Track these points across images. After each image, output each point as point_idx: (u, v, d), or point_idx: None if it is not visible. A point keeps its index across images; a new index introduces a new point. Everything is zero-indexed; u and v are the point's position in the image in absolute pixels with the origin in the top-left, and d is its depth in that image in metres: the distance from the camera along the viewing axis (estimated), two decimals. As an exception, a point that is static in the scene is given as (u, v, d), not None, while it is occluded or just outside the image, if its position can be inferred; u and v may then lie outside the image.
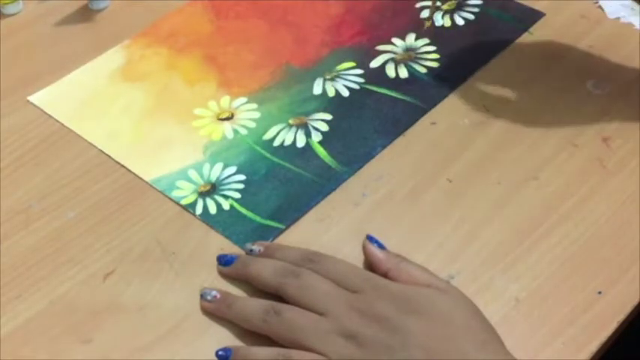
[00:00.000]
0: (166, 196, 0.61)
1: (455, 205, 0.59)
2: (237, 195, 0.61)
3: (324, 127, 0.65)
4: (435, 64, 0.70)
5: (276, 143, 0.64)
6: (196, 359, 0.52)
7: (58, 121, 0.67)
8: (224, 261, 0.56)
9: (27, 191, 0.62)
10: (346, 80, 0.69)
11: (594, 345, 0.52)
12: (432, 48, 0.71)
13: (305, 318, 0.50)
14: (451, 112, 0.66)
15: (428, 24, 0.71)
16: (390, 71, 0.69)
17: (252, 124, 0.66)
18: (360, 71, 0.69)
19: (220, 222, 0.59)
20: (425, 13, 0.74)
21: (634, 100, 0.66)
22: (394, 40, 0.72)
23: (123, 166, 0.63)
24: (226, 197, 0.61)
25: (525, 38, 0.71)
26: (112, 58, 0.72)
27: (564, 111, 0.65)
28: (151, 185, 0.62)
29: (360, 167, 0.62)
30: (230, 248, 0.57)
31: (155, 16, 0.76)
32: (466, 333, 0.49)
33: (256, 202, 0.60)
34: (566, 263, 0.56)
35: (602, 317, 0.53)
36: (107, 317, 0.54)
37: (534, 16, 0.73)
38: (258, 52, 0.72)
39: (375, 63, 0.70)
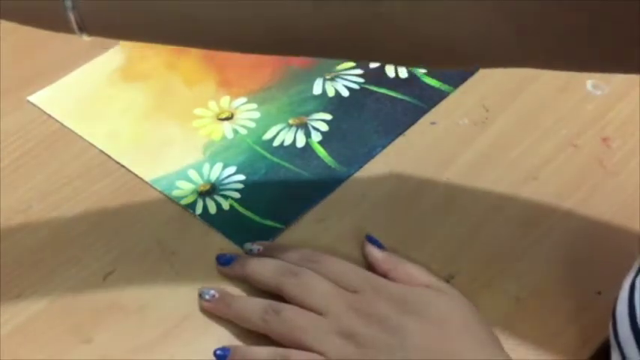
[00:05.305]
0: (166, 196, 0.61)
1: (455, 205, 0.59)
2: (237, 195, 0.61)
3: (324, 127, 0.65)
4: (435, 64, 0.70)
5: (276, 143, 0.64)
6: (196, 359, 0.52)
7: (58, 121, 0.67)
8: (224, 261, 0.56)
9: (27, 191, 0.62)
10: (346, 80, 0.69)
11: (594, 345, 0.52)
12: (432, 48, 0.71)
13: (304, 317, 0.50)
14: (451, 112, 0.66)
15: None
16: (390, 71, 0.69)
17: (252, 124, 0.66)
18: (359, 71, 0.69)
19: (220, 222, 0.59)
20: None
21: (634, 100, 0.66)
22: (394, 40, 0.72)
23: (123, 166, 0.63)
24: (226, 197, 0.61)
25: (525, 38, 0.71)
26: (112, 58, 0.72)
27: (564, 111, 0.65)
28: (151, 185, 0.62)
29: (360, 167, 0.62)
30: (230, 248, 0.57)
31: (155, 16, 0.76)
32: (464, 334, 0.48)
33: (256, 202, 0.60)
34: (566, 263, 0.56)
35: (602, 317, 0.53)
36: (107, 317, 0.54)
37: (534, 16, 0.73)
38: (258, 52, 0.72)
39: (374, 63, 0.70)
